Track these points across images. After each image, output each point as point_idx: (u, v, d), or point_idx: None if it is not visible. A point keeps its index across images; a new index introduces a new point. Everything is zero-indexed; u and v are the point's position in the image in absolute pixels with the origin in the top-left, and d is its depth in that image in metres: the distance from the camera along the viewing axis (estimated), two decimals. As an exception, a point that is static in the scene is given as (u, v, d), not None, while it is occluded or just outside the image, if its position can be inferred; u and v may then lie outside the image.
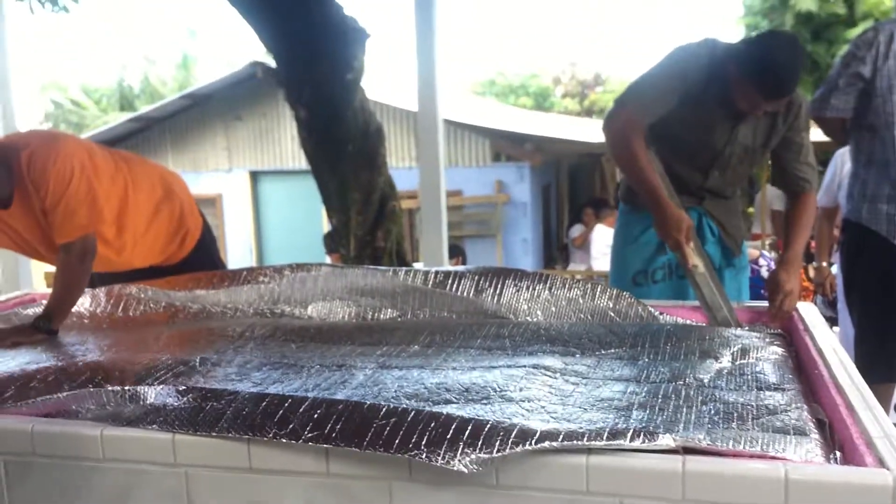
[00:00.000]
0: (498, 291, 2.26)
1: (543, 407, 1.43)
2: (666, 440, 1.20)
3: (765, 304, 2.18)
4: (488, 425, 1.23)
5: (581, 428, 1.25)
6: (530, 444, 1.19)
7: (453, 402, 1.46)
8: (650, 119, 2.28)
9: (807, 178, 2.41)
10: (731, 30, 11.74)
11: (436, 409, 1.39)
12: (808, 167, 2.41)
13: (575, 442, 1.20)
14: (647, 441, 1.20)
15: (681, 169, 2.40)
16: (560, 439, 1.20)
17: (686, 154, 2.41)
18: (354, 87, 4.34)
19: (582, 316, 2.18)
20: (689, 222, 2.22)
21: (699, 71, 2.27)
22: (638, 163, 2.25)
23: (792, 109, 2.34)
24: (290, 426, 1.31)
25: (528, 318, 2.18)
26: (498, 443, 1.19)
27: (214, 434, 1.34)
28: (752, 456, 1.19)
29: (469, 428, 1.23)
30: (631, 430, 1.22)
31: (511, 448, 1.18)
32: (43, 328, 2.14)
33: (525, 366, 1.68)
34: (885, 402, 2.49)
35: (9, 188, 2.18)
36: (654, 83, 2.33)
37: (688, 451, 1.19)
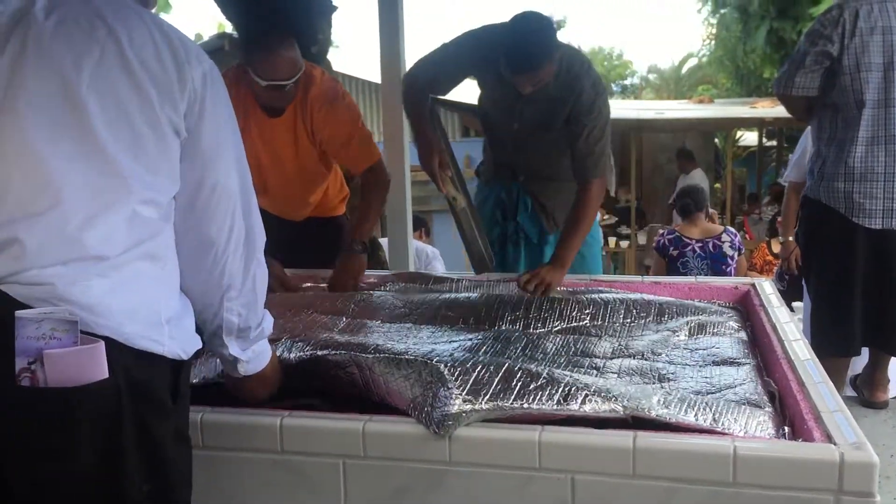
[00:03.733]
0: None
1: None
2: (615, 405, 1.21)
3: (722, 279, 2.19)
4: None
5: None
6: (482, 401, 1.22)
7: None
8: (429, 84, 2.37)
9: (584, 167, 2.30)
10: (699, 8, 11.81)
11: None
12: (589, 158, 2.29)
13: (525, 403, 1.21)
14: (597, 403, 1.21)
15: (491, 144, 2.57)
16: (511, 399, 1.22)
17: (493, 130, 2.55)
18: (319, 60, 4.26)
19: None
20: (441, 149, 2.28)
21: (487, 50, 2.25)
22: (405, 106, 2.42)
23: (573, 94, 2.27)
24: None
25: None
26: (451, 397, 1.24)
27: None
28: (701, 431, 1.19)
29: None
30: (582, 394, 1.23)
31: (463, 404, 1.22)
32: (360, 249, 2.30)
33: (487, 339, 1.67)
34: (839, 375, 2.52)
35: (287, 102, 2.30)
36: (438, 56, 2.40)
37: (637, 421, 1.20)
